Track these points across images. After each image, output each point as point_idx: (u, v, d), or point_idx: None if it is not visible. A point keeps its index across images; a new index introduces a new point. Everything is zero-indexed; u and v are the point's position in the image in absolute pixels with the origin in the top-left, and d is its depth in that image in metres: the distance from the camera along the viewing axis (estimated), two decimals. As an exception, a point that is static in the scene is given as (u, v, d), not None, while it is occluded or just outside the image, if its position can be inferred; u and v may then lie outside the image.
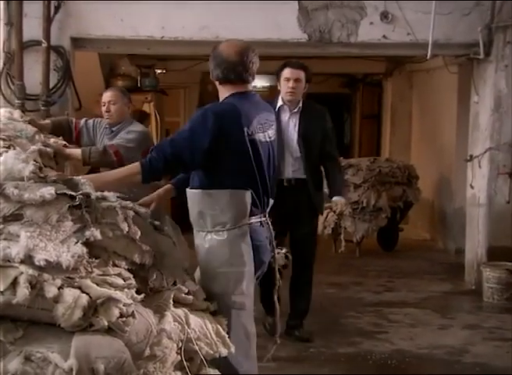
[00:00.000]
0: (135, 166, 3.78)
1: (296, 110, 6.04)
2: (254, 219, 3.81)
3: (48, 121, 5.95)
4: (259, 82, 14.68)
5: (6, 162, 3.21)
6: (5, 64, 7.64)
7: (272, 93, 14.34)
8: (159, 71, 12.90)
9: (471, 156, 8.11)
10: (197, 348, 3.34)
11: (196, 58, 11.73)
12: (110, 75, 10.95)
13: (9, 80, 7.64)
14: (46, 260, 2.98)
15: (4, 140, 4.37)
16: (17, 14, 7.38)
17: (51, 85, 7.60)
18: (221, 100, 3.93)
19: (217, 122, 3.64)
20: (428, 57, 7.72)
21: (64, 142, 5.17)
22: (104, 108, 5.91)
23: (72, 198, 3.22)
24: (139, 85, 11.16)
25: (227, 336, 3.52)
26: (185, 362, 3.29)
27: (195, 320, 3.43)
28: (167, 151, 3.71)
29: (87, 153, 5.19)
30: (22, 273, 2.95)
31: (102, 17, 7.76)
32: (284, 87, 5.98)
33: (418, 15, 7.62)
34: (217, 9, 7.67)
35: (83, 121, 5.99)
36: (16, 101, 7.33)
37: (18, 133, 4.72)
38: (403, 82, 12.51)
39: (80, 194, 3.22)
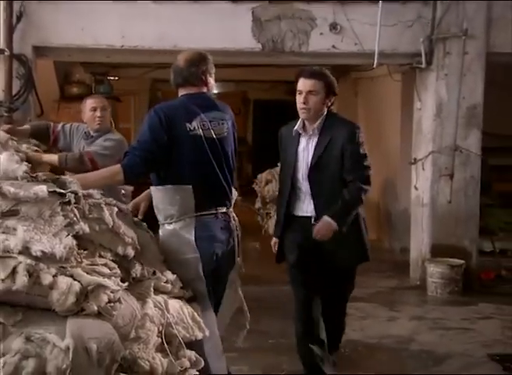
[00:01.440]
0: (116, 168, 4.05)
1: (311, 132, 4.88)
2: (204, 212, 4.07)
3: (27, 126, 6.05)
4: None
5: (1, 163, 3.47)
6: None
7: (224, 99, 14.61)
8: (112, 78, 13.00)
9: (415, 159, 8.40)
10: (175, 332, 3.66)
11: (147, 66, 11.92)
12: (65, 82, 10.99)
13: None
14: (42, 251, 3.21)
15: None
16: None
17: (13, 92, 7.69)
18: None
19: (164, 116, 4.00)
20: (375, 66, 8.05)
21: (37, 148, 5.38)
22: (97, 114, 5.81)
23: (62, 195, 3.47)
24: (93, 92, 11.16)
25: (202, 321, 3.87)
26: (165, 344, 3.61)
27: (173, 306, 3.74)
28: (141, 153, 4.00)
29: (64, 159, 5.30)
30: (20, 262, 3.17)
31: (63, 26, 7.87)
32: (297, 102, 4.85)
33: (365, 26, 7.90)
34: (175, 19, 7.88)
35: (60, 125, 6.04)
36: None
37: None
38: (349, 89, 12.69)
39: (69, 191, 3.47)
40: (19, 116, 7.60)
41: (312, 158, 4.77)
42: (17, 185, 3.43)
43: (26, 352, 3.07)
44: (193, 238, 4.05)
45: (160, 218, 4.18)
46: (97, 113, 5.82)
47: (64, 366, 3.01)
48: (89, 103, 5.91)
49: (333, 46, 7.90)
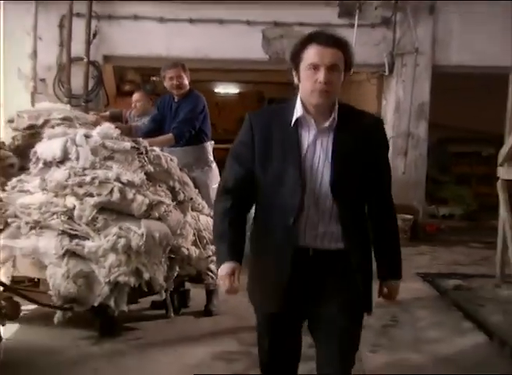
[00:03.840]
0: (171, 136, 5.60)
1: (327, 124, 2.56)
2: None
3: (107, 113, 7.15)
4: (231, 89, 15.50)
5: (104, 130, 4.87)
6: (57, 73, 8.80)
7: (242, 98, 15.24)
8: (154, 79, 14.16)
9: None
10: (203, 234, 5.07)
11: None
12: (120, 81, 11.68)
13: (60, 85, 8.79)
14: (127, 180, 4.54)
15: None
16: (67, 38, 8.61)
17: (89, 88, 8.79)
18: None
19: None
20: (351, 73, 9.04)
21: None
22: (174, 82, 5.78)
23: (138, 149, 4.84)
24: (141, 89, 12.15)
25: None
26: (197, 240, 5.01)
27: (203, 219, 5.12)
28: (188, 127, 5.63)
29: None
30: (115, 186, 4.49)
31: (124, 41, 8.89)
32: (308, 81, 2.51)
33: None
34: (206, 36, 8.84)
35: (128, 112, 7.02)
36: (65, 99, 8.46)
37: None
38: (343, 88, 13.50)
39: (142, 146, 4.89)
40: (92, 106, 8.60)
41: (334, 162, 2.55)
42: (113, 142, 4.75)
43: (120, 235, 4.38)
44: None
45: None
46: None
47: (140, 243, 4.33)
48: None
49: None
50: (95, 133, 4.76)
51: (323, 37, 2.50)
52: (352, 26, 8.82)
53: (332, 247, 2.57)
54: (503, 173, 6.23)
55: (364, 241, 2.65)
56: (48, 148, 4.76)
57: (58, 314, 4.49)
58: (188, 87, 5.87)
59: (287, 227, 2.54)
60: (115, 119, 6.72)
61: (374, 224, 2.68)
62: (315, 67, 2.47)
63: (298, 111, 2.57)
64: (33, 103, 8.52)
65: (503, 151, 6.20)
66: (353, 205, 2.60)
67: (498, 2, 6.33)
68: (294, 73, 2.58)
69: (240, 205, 2.63)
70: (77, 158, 4.63)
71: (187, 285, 5.44)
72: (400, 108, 9.27)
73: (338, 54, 2.50)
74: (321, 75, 2.46)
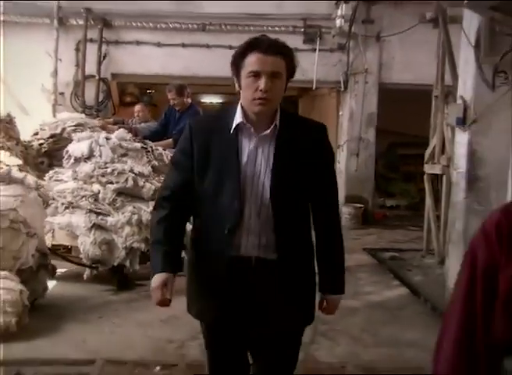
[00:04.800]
0: (170, 140, 6.18)
1: (268, 132, 2.23)
2: None
3: (111, 119, 7.79)
4: (215, 99, 15.96)
5: (120, 134, 5.68)
6: (73, 88, 9.28)
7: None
8: (150, 91, 14.18)
9: (339, 145, 9.86)
10: None
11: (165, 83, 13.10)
12: (121, 93, 11.91)
13: (76, 98, 9.26)
14: (138, 171, 5.31)
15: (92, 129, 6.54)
16: (82, 60, 9.11)
17: (99, 100, 9.30)
18: None
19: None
20: (314, 88, 9.54)
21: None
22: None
23: (146, 148, 5.68)
24: (139, 100, 12.12)
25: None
26: None
27: None
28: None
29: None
30: (129, 175, 5.25)
31: (128, 61, 9.37)
32: (249, 88, 2.18)
33: (308, 64, 9.04)
34: (195, 58, 9.29)
35: (130, 120, 7.62)
36: (80, 109, 8.94)
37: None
38: (309, 102, 13.26)
39: (149, 146, 5.73)
40: (102, 114, 9.04)
41: (275, 170, 2.22)
42: (127, 142, 5.51)
43: (133, 212, 5.14)
44: None
45: None
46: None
47: (149, 218, 4.91)
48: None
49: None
50: (113, 136, 5.58)
51: (264, 44, 2.18)
52: (314, 50, 9.34)
53: (272, 257, 2.21)
54: (427, 168, 7.11)
55: (304, 251, 2.30)
56: (77, 147, 5.56)
57: (87, 272, 5.34)
58: (189, 103, 6.54)
59: (224, 236, 2.21)
60: (117, 123, 7.33)
61: (317, 237, 2.33)
62: (256, 75, 2.15)
63: (238, 118, 2.23)
64: (54, 113, 8.87)
65: (427, 152, 7.09)
66: (294, 214, 2.26)
67: (430, 31, 7.04)
68: (235, 80, 2.23)
69: (176, 214, 2.28)
70: (100, 155, 5.41)
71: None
72: (353, 117, 9.71)
73: (279, 61, 2.18)
74: (262, 83, 2.14)
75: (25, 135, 6.54)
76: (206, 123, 2.40)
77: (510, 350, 1.36)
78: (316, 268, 2.36)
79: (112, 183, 5.31)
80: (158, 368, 1.68)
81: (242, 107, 2.26)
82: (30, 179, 4.64)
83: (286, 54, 2.21)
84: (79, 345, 4.10)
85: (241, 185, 2.22)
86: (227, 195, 2.22)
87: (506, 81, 4.06)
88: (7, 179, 4.47)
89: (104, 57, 9.33)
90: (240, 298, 2.25)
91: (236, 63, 2.21)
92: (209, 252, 2.29)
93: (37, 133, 6.85)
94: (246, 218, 2.23)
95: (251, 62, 2.16)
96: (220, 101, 16.49)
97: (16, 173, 4.62)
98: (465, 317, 1.39)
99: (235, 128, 2.24)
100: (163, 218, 2.29)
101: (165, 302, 2.22)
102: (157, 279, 2.23)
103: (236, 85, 2.25)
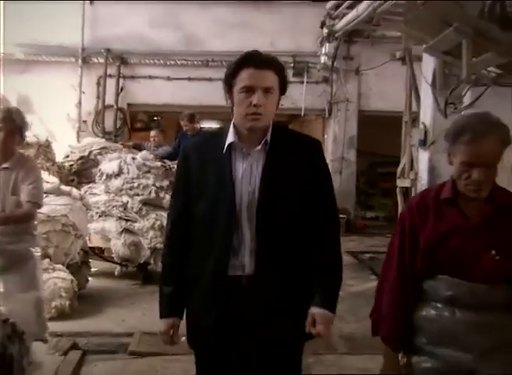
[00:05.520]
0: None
1: (259, 147, 2.08)
2: None
3: (130, 143, 8.23)
4: (214, 124, 15.82)
5: (144, 155, 6.34)
6: (95, 117, 9.80)
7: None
8: (156, 118, 14.19)
9: None
10: None
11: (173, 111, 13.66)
12: (132, 120, 11.89)
13: (97, 125, 9.78)
14: (159, 185, 5.89)
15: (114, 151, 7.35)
16: (102, 92, 9.73)
17: (117, 127, 9.83)
18: None
19: None
20: (302, 115, 10.16)
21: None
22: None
23: (165, 166, 6.31)
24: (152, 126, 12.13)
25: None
26: None
27: None
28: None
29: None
30: (152, 189, 5.85)
31: (142, 93, 9.92)
32: (242, 104, 2.03)
33: (297, 94, 9.49)
34: (200, 90, 9.75)
35: (145, 144, 7.99)
36: (100, 135, 9.44)
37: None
38: (298, 127, 13.17)
39: (167, 165, 6.33)
40: (119, 139, 9.44)
41: (262, 185, 2.06)
42: (150, 162, 6.09)
43: (156, 218, 5.70)
44: None
45: None
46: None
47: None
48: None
49: (281, 104, 9.91)
50: (138, 156, 6.26)
51: (257, 59, 2.04)
52: (302, 82, 9.88)
53: (269, 273, 2.05)
54: (399, 182, 7.74)
55: (299, 267, 2.10)
56: (108, 166, 6.20)
57: (118, 268, 5.96)
58: (198, 128, 7.19)
59: (220, 255, 2.05)
60: (135, 147, 7.83)
61: (315, 253, 2.10)
62: (249, 90, 2.00)
63: (230, 137, 2.09)
64: (78, 138, 9.39)
65: (399, 168, 7.76)
66: (285, 228, 2.06)
67: (400, 67, 7.74)
68: (227, 97, 2.08)
69: (181, 249, 2.14)
70: (128, 172, 6.02)
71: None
72: (336, 140, 10.24)
73: (272, 76, 2.04)
74: (255, 98, 1.99)
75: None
76: (200, 144, 2.22)
77: (425, 277, 2.05)
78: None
79: (138, 195, 5.91)
80: (183, 338, 2.05)
81: (234, 125, 2.12)
82: (75, 191, 5.32)
83: (279, 69, 2.09)
84: (119, 323, 4.76)
85: (236, 203, 2.05)
86: (222, 216, 2.06)
87: (456, 110, 4.78)
88: (57, 191, 5.13)
89: (121, 90, 9.89)
90: (235, 316, 2.08)
91: (229, 80, 2.07)
92: (206, 272, 2.09)
93: (67, 156, 7.48)
94: (243, 235, 2.06)
95: (244, 77, 2.03)
96: (218, 125, 16.99)
97: (64, 187, 5.29)
98: (400, 260, 2.09)
99: (227, 147, 2.09)
100: (167, 256, 2.22)
101: (173, 344, 2.19)
102: (164, 324, 2.17)
103: (229, 101, 2.10)
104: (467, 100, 4.67)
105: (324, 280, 2.11)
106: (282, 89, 2.10)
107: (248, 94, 2.02)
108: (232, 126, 2.12)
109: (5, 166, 3.35)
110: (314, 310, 2.09)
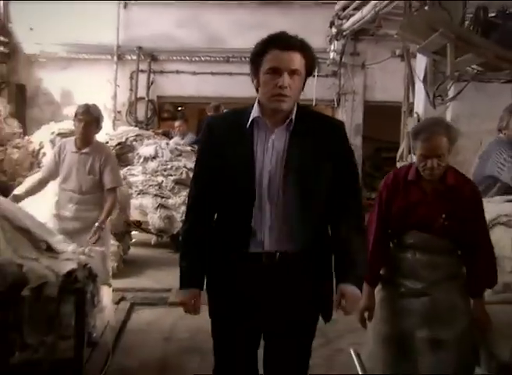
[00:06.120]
0: None
1: (284, 126, 2.05)
2: None
3: (160, 131, 8.63)
4: None
5: (176, 140, 6.84)
6: (128, 107, 10.01)
7: None
8: (180, 108, 13.97)
9: None
10: None
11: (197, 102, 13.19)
12: (160, 110, 11.79)
13: (130, 115, 9.96)
14: (190, 167, 6.35)
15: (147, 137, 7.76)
16: (135, 85, 9.94)
17: (148, 116, 10.03)
18: None
19: None
20: (314, 105, 9.83)
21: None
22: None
23: (194, 151, 6.73)
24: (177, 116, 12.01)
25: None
26: None
27: None
28: None
29: None
30: (183, 170, 6.43)
31: (170, 87, 10.00)
32: (268, 85, 2.02)
33: (308, 86, 9.27)
34: (221, 83, 9.75)
35: (172, 132, 8.39)
36: (133, 124, 9.65)
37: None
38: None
39: (196, 149, 6.86)
40: (150, 128, 9.53)
41: (285, 163, 2.01)
42: (181, 147, 6.63)
43: (187, 196, 6.33)
44: None
45: None
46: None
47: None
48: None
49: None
50: (172, 142, 6.77)
51: (284, 41, 1.96)
52: (313, 76, 8.41)
53: (290, 249, 1.97)
54: (398, 165, 8.00)
55: (322, 245, 2.02)
56: (146, 150, 6.72)
57: (154, 238, 6.47)
58: None
59: (242, 232, 1.97)
60: (164, 134, 8.22)
61: (339, 232, 2.03)
62: (275, 71, 1.93)
63: (254, 113, 2.02)
64: (113, 127, 9.46)
65: (398, 153, 8.19)
66: (308, 206, 1.98)
67: (400, 63, 8.10)
68: (253, 77, 2.00)
69: (201, 223, 2.06)
70: (162, 156, 6.51)
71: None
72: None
73: (299, 58, 1.96)
74: (281, 79, 1.92)
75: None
76: (225, 119, 2.17)
77: (397, 235, 2.69)
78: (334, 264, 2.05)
79: (171, 175, 6.38)
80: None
81: (259, 103, 2.03)
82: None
83: (306, 51, 1.99)
84: (159, 282, 5.35)
85: (257, 180, 1.96)
86: (244, 191, 1.97)
87: (442, 102, 5.26)
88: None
89: (151, 83, 9.98)
90: (257, 293, 2.02)
91: (255, 60, 1.99)
92: (226, 248, 2.03)
93: (107, 142, 7.88)
94: (263, 211, 1.98)
95: (270, 58, 1.95)
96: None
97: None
98: (379, 221, 2.70)
99: (251, 123, 2.01)
100: (187, 230, 2.12)
101: (195, 312, 2.12)
102: (184, 294, 2.12)
103: (255, 81, 2.02)
104: (451, 93, 5.13)
105: (354, 257, 2.01)
106: (309, 71, 2.03)
107: (274, 75, 1.94)
108: (256, 102, 2.04)
109: (84, 151, 3.86)
110: (344, 287, 1.98)
